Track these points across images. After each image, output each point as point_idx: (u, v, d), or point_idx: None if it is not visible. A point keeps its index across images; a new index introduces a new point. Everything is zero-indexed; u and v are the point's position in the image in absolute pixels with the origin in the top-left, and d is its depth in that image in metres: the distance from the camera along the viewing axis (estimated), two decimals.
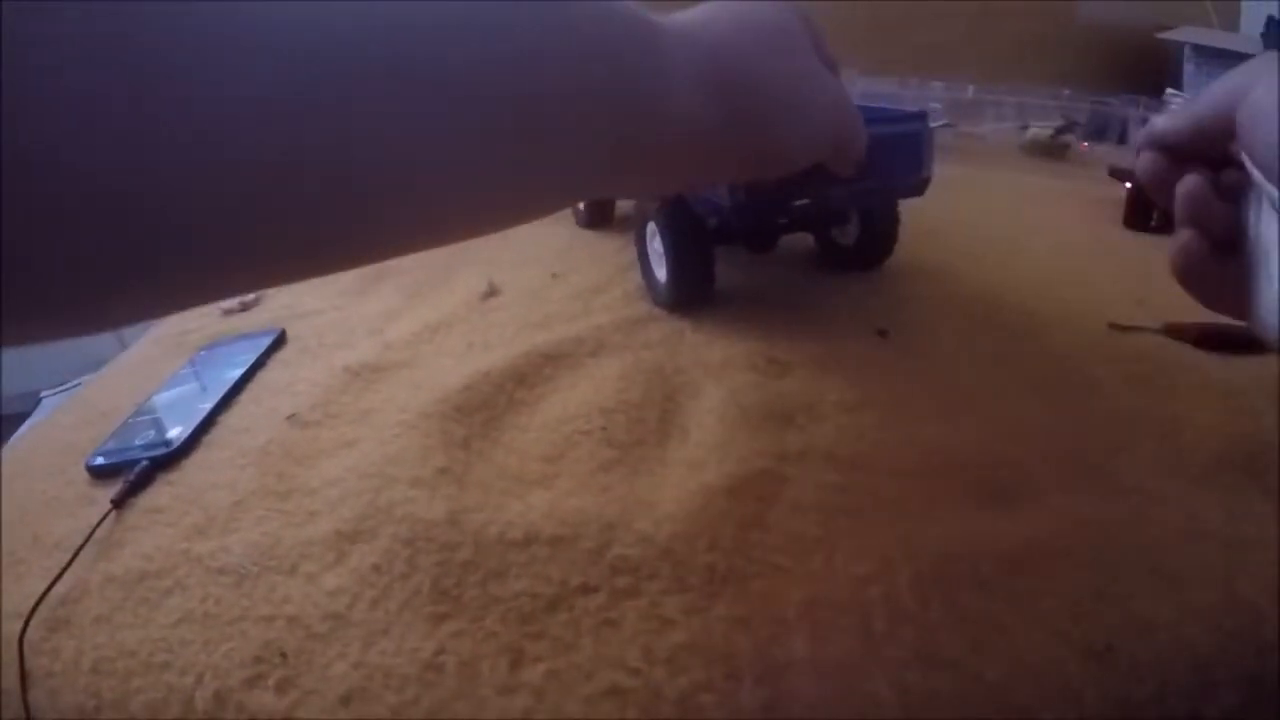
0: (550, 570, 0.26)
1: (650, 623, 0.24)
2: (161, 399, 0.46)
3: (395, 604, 0.26)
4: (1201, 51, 1.03)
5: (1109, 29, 1.17)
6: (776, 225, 0.47)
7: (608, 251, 0.59)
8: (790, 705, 0.22)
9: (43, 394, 1.45)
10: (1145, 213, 0.59)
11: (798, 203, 0.39)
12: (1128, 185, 0.62)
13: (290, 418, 0.40)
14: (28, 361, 1.72)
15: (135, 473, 0.37)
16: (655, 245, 0.44)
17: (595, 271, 0.54)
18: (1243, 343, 0.37)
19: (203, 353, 0.52)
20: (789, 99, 0.29)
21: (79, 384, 1.45)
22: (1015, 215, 0.66)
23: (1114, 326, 0.41)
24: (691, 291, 0.44)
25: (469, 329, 0.48)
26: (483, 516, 0.29)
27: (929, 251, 0.51)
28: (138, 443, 0.40)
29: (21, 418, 1.33)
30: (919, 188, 0.42)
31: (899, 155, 0.41)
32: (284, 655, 0.25)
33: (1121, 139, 0.79)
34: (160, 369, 0.50)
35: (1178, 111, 0.28)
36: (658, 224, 0.43)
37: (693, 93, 0.25)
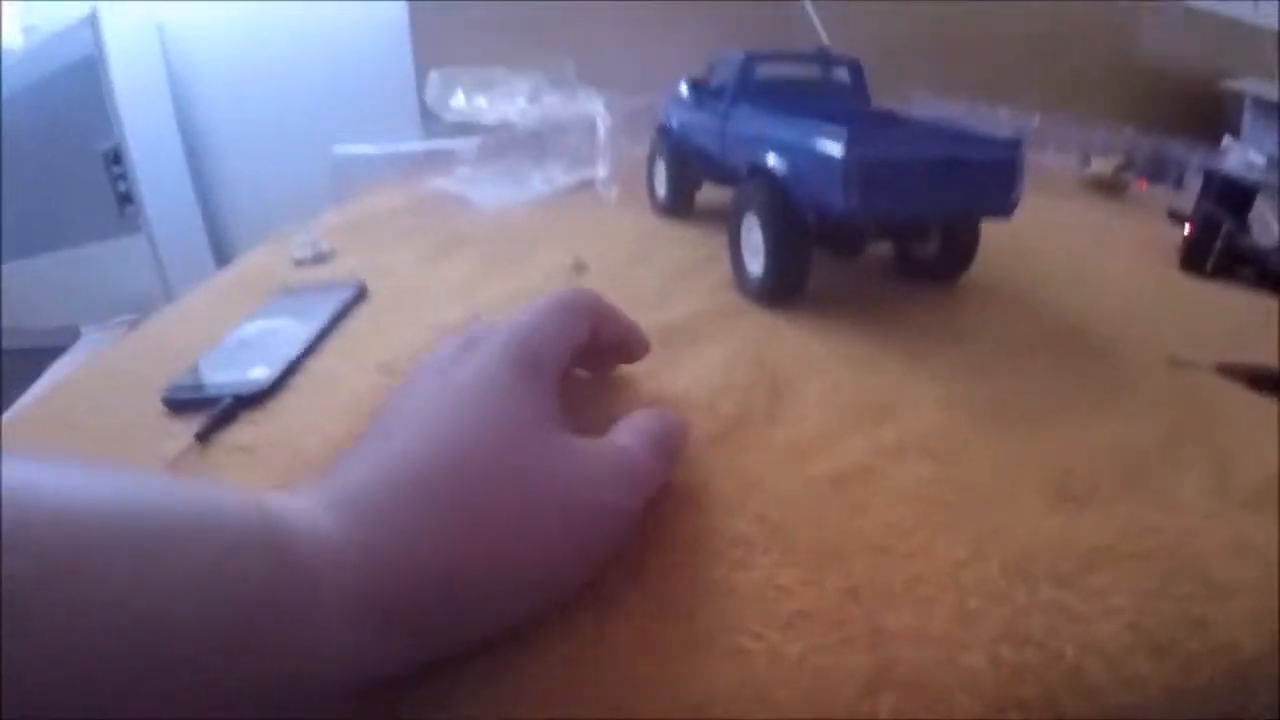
0: None
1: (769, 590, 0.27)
2: (241, 338, 0.43)
3: None
4: (1260, 104, 1.05)
5: (1169, 69, 1.19)
6: (869, 232, 0.50)
7: (688, 239, 0.62)
8: (897, 669, 0.25)
9: (84, 329, 1.45)
10: (1202, 257, 0.61)
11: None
12: (1186, 228, 0.64)
13: (381, 366, 0.40)
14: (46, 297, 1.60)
15: (220, 409, 0.34)
16: (753, 238, 0.47)
17: (679, 257, 0.57)
18: None
19: (282, 299, 0.49)
20: (493, 587, 0.22)
21: (121, 322, 1.45)
22: (1077, 248, 0.68)
23: (1174, 361, 0.44)
24: (787, 286, 0.47)
25: None
26: None
27: (997, 272, 0.54)
28: (219, 379, 0.38)
29: (54, 351, 1.33)
30: (1008, 210, 0.45)
31: (993, 179, 0.44)
32: None
33: (1179, 183, 0.82)
34: (232, 311, 0.48)
35: None
36: (759, 218, 0.46)
37: (347, 632, 0.19)
